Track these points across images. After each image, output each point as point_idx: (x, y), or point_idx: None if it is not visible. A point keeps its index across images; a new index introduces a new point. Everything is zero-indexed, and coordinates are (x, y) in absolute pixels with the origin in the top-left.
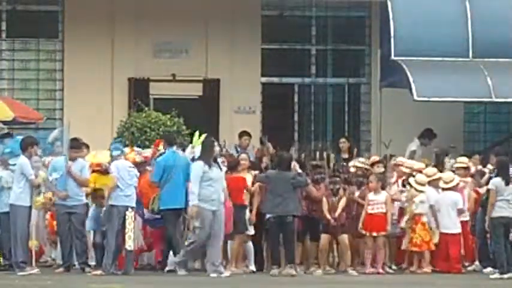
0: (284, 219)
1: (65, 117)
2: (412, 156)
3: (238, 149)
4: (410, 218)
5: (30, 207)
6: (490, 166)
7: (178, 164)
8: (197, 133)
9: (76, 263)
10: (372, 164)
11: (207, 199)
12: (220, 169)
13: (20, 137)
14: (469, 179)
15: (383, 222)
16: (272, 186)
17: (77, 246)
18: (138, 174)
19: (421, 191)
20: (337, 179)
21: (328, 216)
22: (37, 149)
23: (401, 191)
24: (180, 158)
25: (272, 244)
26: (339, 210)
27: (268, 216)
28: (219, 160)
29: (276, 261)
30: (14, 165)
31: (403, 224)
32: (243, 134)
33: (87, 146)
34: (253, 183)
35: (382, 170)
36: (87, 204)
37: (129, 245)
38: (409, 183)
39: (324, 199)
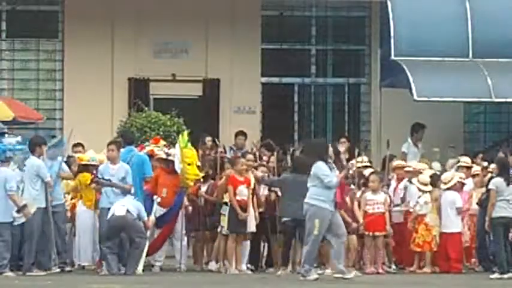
0: (302, 222)
1: (65, 117)
2: (403, 158)
3: (234, 149)
4: (413, 219)
5: (46, 208)
6: (491, 166)
7: (134, 161)
8: (185, 133)
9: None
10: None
11: (327, 199)
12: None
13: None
14: (471, 179)
15: (382, 222)
16: (290, 190)
17: (58, 245)
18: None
19: (425, 191)
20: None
21: (349, 219)
22: (44, 148)
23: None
24: (137, 156)
25: (288, 247)
26: (361, 214)
27: (284, 219)
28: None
29: (286, 263)
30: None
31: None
32: (239, 134)
33: (83, 146)
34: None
35: (371, 170)
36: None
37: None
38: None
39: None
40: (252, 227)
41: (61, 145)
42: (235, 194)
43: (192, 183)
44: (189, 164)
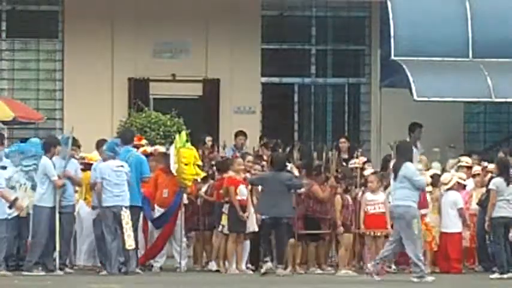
0: (279, 220)
1: (65, 117)
2: None
3: (234, 149)
4: None
5: (54, 207)
6: (491, 166)
7: (131, 162)
8: (183, 133)
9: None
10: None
11: (416, 200)
12: None
13: (34, 139)
14: (471, 179)
15: (382, 222)
16: (267, 188)
17: (61, 246)
18: (129, 172)
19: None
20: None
21: (339, 222)
22: (60, 149)
23: None
24: (135, 156)
25: (265, 244)
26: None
27: (263, 217)
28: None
29: (268, 256)
30: (27, 166)
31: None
32: (239, 133)
33: (79, 146)
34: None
35: (372, 170)
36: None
37: (130, 244)
38: None
39: (338, 197)
40: (253, 226)
41: (65, 143)
42: (236, 194)
43: (190, 183)
44: (186, 164)
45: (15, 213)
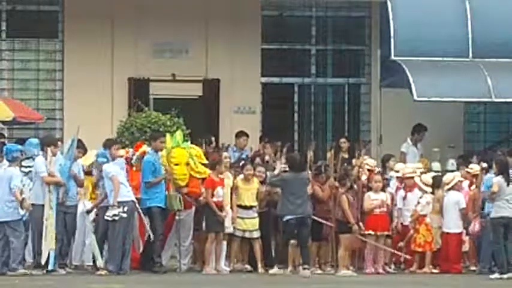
0: (305, 220)
1: (65, 117)
2: (402, 158)
3: (235, 149)
4: (414, 219)
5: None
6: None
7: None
8: (178, 133)
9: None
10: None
11: None
12: None
13: (34, 140)
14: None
15: (385, 222)
16: (289, 189)
17: (64, 245)
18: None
19: (426, 191)
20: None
21: (352, 220)
22: (55, 148)
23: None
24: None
25: (288, 245)
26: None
27: (287, 217)
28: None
29: (281, 261)
30: (28, 166)
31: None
32: (241, 134)
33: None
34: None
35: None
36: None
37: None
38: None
39: (344, 197)
40: (230, 227)
41: (74, 145)
42: (212, 195)
43: (183, 183)
44: (176, 164)
45: (26, 214)
